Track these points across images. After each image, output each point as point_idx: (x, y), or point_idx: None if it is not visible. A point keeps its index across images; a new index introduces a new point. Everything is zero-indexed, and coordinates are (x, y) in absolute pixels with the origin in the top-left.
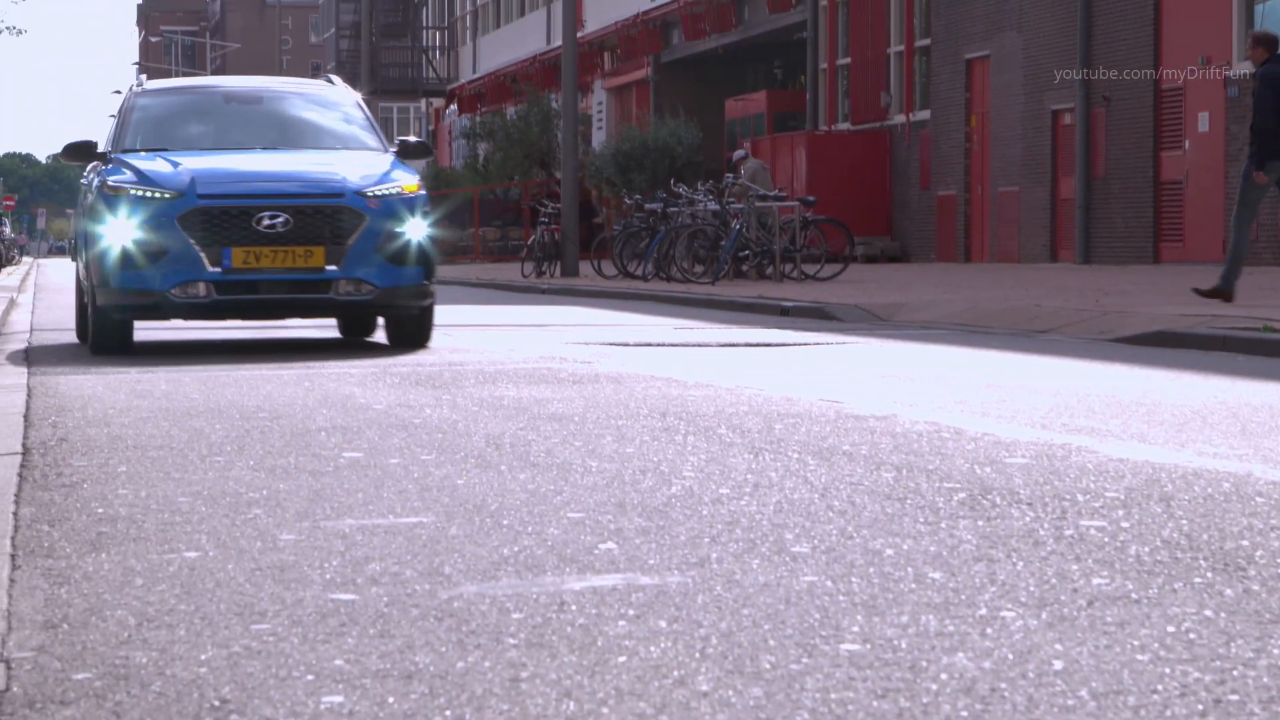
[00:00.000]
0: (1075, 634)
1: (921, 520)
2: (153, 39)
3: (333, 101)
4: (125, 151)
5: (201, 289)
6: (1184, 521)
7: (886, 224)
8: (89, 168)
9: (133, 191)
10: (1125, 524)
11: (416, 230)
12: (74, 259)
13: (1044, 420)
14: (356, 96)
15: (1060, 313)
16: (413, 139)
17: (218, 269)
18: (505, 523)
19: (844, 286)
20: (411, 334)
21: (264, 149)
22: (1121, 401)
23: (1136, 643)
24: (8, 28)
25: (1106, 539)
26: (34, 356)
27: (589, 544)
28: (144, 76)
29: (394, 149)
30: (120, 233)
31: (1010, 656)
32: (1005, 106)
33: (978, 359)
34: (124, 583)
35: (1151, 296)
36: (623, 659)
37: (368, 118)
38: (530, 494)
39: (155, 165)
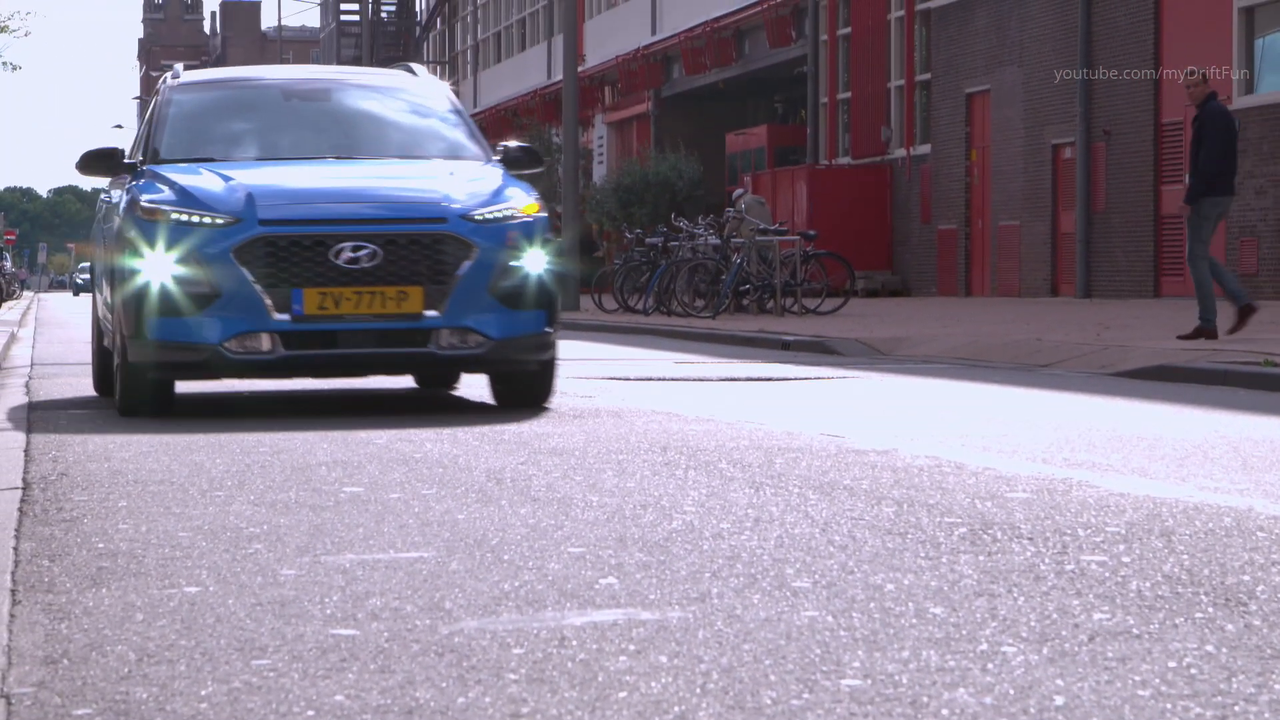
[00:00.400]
0: (1076, 669)
1: (922, 555)
2: (153, 73)
3: (417, 96)
4: (161, 162)
5: (264, 342)
6: (1185, 556)
7: (887, 258)
8: (111, 183)
9: (174, 215)
10: (1126, 559)
11: (536, 263)
12: (75, 294)
13: (1045, 455)
14: (446, 89)
15: (1061, 347)
16: (515, 144)
17: (285, 316)
18: (506, 558)
19: (845, 321)
20: (527, 394)
21: (337, 159)
22: (1122, 436)
23: (1138, 678)
24: (2, 64)
25: (1107, 574)
26: (35, 390)
27: (590, 579)
28: (180, 66)
29: (497, 157)
30: (158, 269)
31: (1011, 692)
32: (1005, 141)
33: (978, 393)
34: (124, 618)
35: (1152, 331)
36: (623, 694)
37: (462, 116)
38: (531, 529)
39: (202, 180)
